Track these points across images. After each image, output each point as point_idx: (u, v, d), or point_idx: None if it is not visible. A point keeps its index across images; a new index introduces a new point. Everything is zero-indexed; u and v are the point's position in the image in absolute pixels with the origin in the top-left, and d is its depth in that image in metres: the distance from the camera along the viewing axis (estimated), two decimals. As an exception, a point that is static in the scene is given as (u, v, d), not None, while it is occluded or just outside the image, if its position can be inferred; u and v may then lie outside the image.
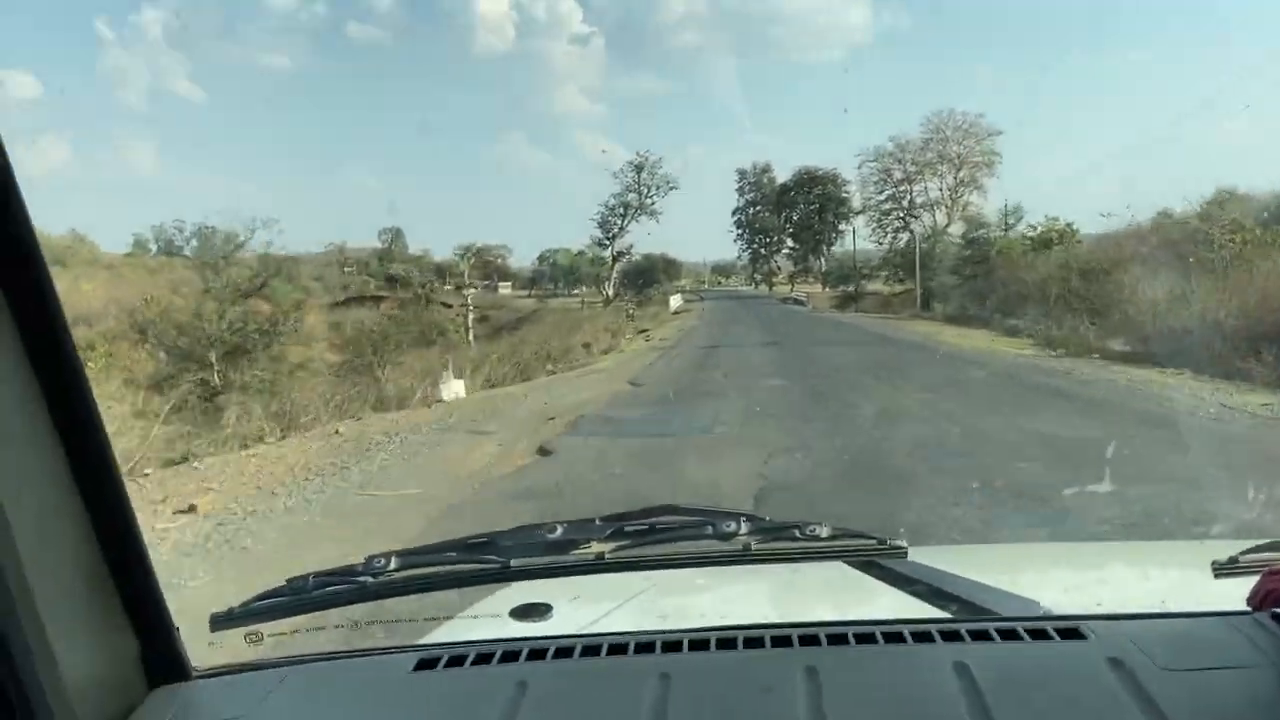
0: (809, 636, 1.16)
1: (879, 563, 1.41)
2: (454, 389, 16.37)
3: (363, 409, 16.23)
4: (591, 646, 1.18)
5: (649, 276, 66.46)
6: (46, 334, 0.90)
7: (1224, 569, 1.29)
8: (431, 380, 17.65)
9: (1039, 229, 38.79)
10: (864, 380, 15.60)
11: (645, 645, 1.17)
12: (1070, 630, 1.16)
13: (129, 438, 12.40)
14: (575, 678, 1.14)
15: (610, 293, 58.47)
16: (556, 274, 69.39)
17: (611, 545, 1.22)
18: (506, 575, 1.24)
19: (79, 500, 0.96)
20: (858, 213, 62.92)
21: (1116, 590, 1.91)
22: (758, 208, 71.62)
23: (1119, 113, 75.45)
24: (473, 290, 49.06)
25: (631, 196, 59.91)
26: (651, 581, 1.78)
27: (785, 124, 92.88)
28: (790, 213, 70.19)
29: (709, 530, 1.23)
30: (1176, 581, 1.91)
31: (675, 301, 56.47)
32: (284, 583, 1.21)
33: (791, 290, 65.45)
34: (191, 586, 5.60)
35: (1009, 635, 1.16)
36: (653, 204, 59.93)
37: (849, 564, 1.40)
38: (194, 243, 31.80)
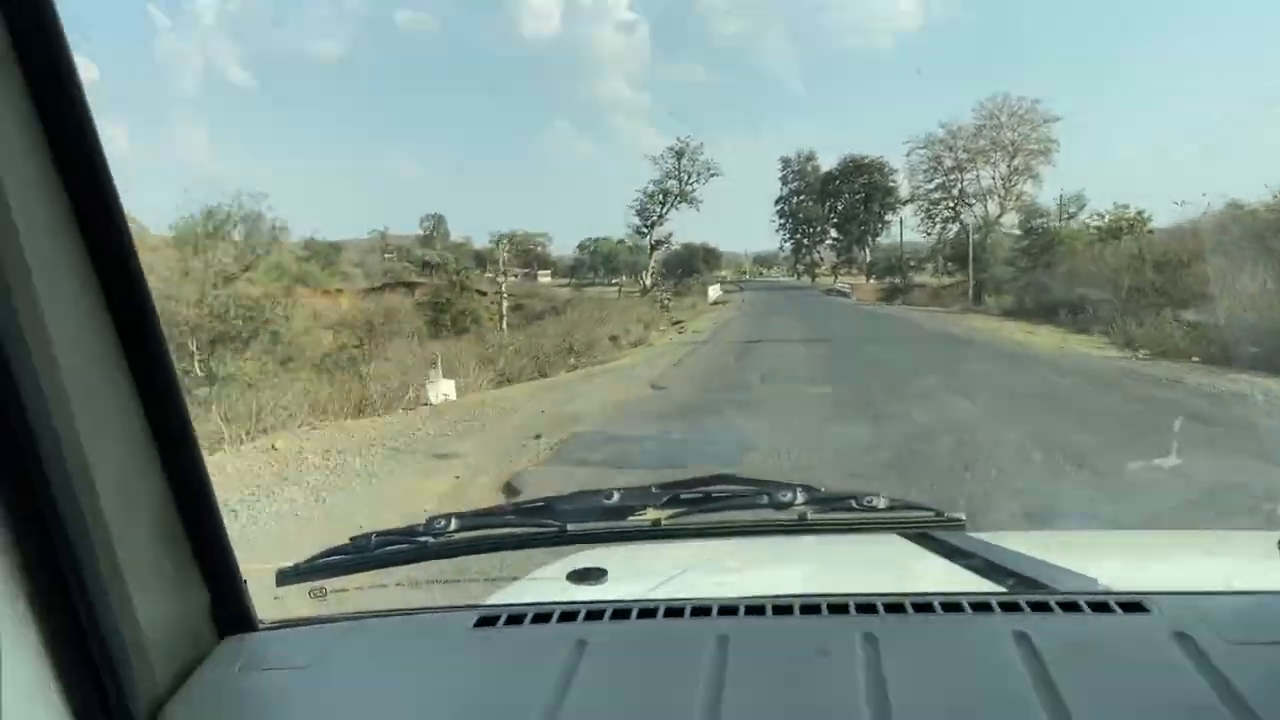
0: (866, 604, 1.14)
1: (934, 536, 1.40)
2: (442, 390, 13.95)
3: (344, 410, 14.16)
4: (648, 609, 1.17)
5: (688, 266, 64.55)
6: (134, 310, 0.94)
7: None
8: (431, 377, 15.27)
9: (1106, 217, 35.94)
10: (932, 388, 12.69)
11: (701, 609, 1.15)
12: (1133, 604, 1.13)
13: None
14: (634, 638, 1.13)
15: (648, 282, 56.02)
16: (596, 262, 67.81)
17: (667, 512, 1.23)
18: (563, 539, 1.24)
19: (157, 460, 0.99)
20: (905, 202, 60.43)
21: (1179, 569, 1.90)
22: (801, 197, 69.32)
23: (1183, 98, 71.41)
24: (511, 278, 46.81)
25: (671, 183, 57.63)
26: (706, 551, 1.81)
27: (832, 111, 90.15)
28: (835, 202, 67.89)
29: (764, 500, 1.23)
30: (1242, 561, 1.88)
31: (714, 292, 54.09)
32: (348, 540, 1.23)
33: (835, 282, 62.76)
34: None
35: (1070, 608, 1.12)
36: (693, 191, 57.52)
37: (904, 537, 1.40)
38: (240, 227, 29.03)
